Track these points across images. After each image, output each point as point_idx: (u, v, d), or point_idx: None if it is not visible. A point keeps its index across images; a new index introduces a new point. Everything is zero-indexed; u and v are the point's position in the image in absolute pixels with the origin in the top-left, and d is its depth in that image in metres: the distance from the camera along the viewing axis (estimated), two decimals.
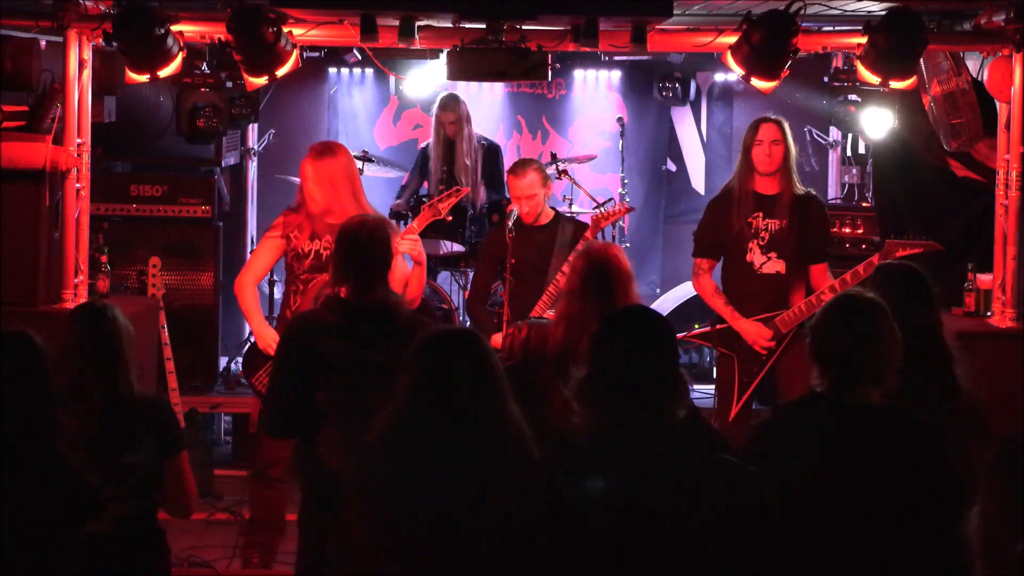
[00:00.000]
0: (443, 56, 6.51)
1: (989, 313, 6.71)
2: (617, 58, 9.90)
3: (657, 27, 6.59)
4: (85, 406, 4.07)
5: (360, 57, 9.55)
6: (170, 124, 7.80)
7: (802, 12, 6.11)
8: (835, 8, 6.58)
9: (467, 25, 6.45)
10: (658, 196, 10.46)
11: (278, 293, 8.39)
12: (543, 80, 7.27)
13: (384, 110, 10.29)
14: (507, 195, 7.47)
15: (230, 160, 8.92)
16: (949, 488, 3.34)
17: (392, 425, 3.49)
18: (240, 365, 6.23)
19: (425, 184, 8.97)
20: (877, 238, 7.87)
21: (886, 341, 3.47)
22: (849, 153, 9.29)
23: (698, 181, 10.43)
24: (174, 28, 6.24)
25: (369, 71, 10.15)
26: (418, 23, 6.33)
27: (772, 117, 6.43)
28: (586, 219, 7.55)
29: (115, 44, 6.11)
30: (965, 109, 6.83)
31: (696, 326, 6.71)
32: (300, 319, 4.78)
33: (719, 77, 10.21)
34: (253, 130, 9.60)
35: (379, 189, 9.83)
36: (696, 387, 7.44)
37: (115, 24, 6.07)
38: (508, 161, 8.29)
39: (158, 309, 6.89)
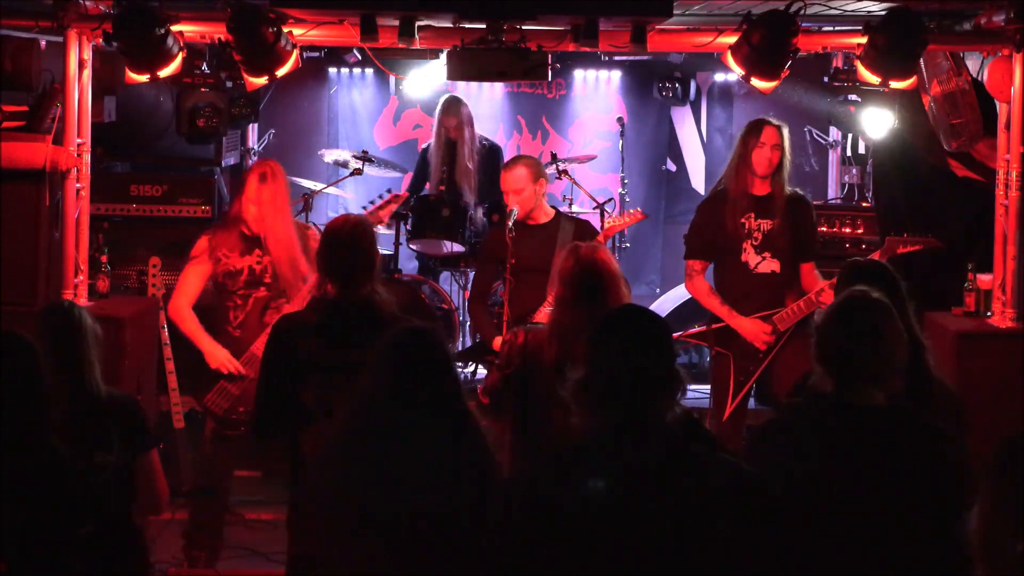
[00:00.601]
0: (443, 56, 6.51)
1: (989, 313, 6.70)
2: (617, 58, 9.91)
3: (657, 27, 6.59)
4: (57, 406, 4.07)
5: (360, 57, 9.55)
6: (170, 124, 7.81)
7: (802, 12, 6.11)
8: (835, 8, 6.58)
9: (467, 25, 6.44)
10: (658, 196, 10.47)
11: None
12: (543, 80, 7.26)
13: (384, 110, 10.30)
14: None
15: (230, 160, 8.92)
16: (950, 488, 3.34)
17: (351, 422, 3.56)
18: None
19: (427, 186, 8.98)
20: (877, 238, 7.87)
21: (890, 341, 3.47)
22: (849, 153, 9.30)
23: (698, 181, 10.44)
24: (174, 28, 6.24)
25: (369, 71, 10.16)
26: (418, 23, 6.33)
27: (774, 121, 6.43)
28: (586, 219, 7.55)
29: (115, 44, 6.10)
30: (965, 109, 6.83)
31: (696, 326, 6.71)
32: (285, 320, 4.81)
33: (719, 77, 10.22)
34: (253, 130, 9.61)
35: (379, 189, 9.78)
36: (695, 387, 7.44)
37: (115, 24, 6.07)
38: None
39: (158, 309, 6.89)
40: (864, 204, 8.90)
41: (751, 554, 2.94)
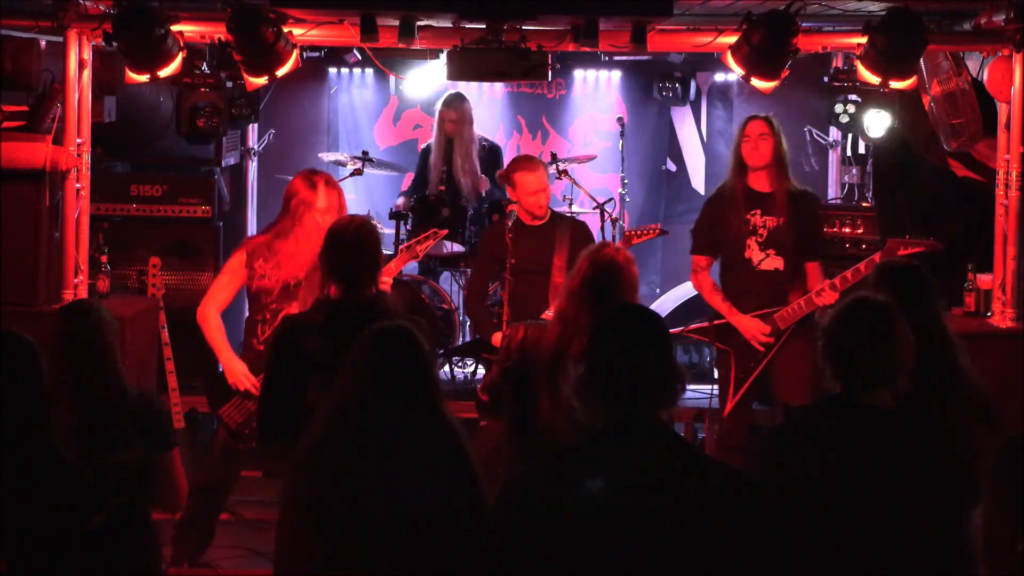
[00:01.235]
0: (443, 56, 6.52)
1: (989, 313, 6.71)
2: (617, 58, 9.90)
3: (657, 27, 6.59)
4: (76, 404, 4.08)
5: (360, 57, 9.55)
6: (170, 124, 7.81)
7: (802, 12, 6.12)
8: (835, 8, 6.59)
9: (467, 25, 6.45)
10: (658, 196, 10.46)
11: None
12: (543, 80, 7.27)
13: (384, 110, 10.28)
14: (507, 195, 7.47)
15: (230, 160, 8.92)
16: (961, 491, 3.34)
17: (328, 422, 3.57)
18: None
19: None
20: (877, 238, 7.87)
21: (898, 343, 3.46)
22: (849, 153, 9.29)
23: (698, 181, 10.42)
24: (174, 28, 6.24)
25: (369, 71, 10.15)
26: (418, 23, 6.34)
27: (760, 115, 6.44)
28: (585, 219, 7.56)
29: (115, 44, 6.11)
30: (965, 109, 6.83)
31: (697, 322, 6.71)
32: (289, 321, 4.80)
33: (719, 77, 10.20)
34: (253, 130, 9.60)
35: (379, 189, 9.84)
36: (695, 387, 7.44)
37: (115, 24, 6.07)
38: (508, 162, 8.29)
39: (158, 309, 6.89)
40: (864, 204, 8.89)
41: (751, 554, 2.94)
